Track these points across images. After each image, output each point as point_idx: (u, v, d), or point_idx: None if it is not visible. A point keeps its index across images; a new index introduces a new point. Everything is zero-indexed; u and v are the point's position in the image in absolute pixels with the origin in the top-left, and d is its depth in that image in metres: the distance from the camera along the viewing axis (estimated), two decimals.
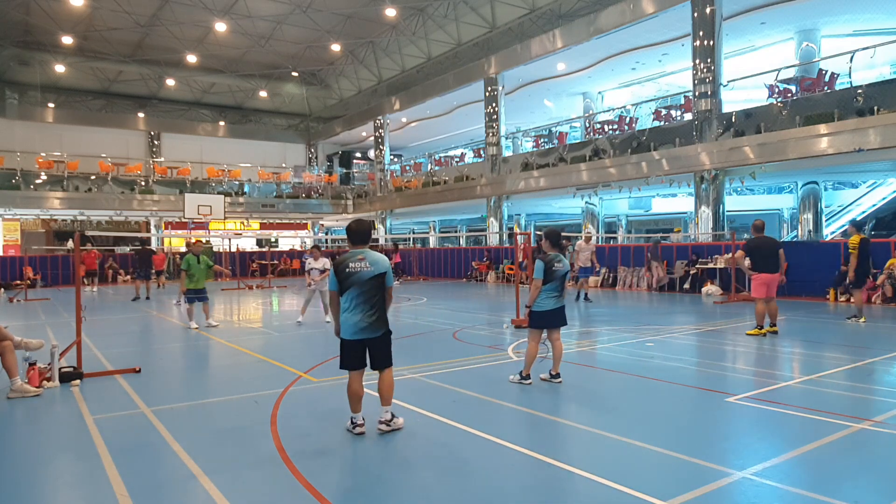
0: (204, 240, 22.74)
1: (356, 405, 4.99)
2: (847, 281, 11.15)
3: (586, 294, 16.16)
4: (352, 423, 5.01)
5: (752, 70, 20.96)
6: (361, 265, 4.92)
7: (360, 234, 5.09)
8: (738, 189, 22.44)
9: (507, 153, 28.17)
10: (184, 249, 31.29)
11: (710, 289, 17.25)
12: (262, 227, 38.18)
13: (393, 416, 5.05)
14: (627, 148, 21.44)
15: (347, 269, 4.90)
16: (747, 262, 9.96)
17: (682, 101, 21.32)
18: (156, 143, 37.64)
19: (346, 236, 5.15)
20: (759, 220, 10.20)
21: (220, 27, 28.76)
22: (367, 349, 5.00)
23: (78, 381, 7.03)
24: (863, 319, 10.89)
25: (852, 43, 19.91)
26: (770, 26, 20.29)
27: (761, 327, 9.62)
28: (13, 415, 5.91)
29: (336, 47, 31.69)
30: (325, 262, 12.28)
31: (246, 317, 13.89)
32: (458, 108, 31.96)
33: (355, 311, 4.92)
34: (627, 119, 22.98)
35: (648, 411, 5.64)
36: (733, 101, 20.44)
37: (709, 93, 18.47)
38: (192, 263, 11.65)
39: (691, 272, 18.36)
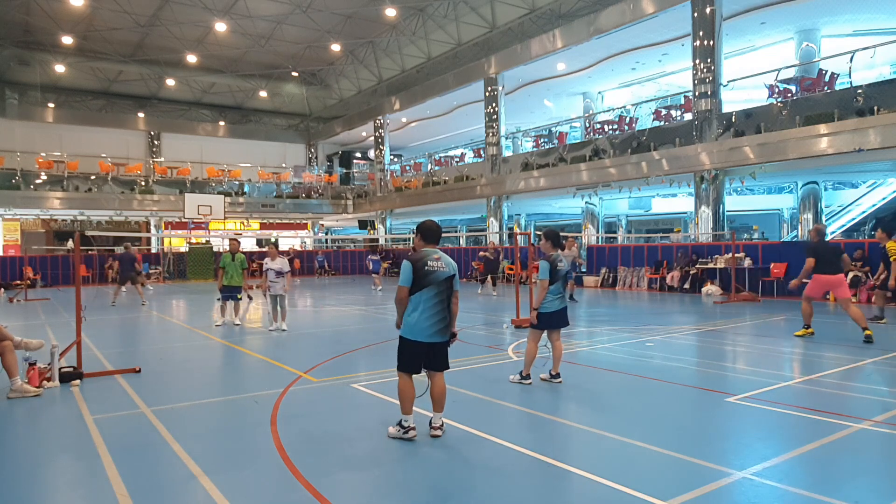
0: (205, 239, 22.81)
1: (410, 406, 4.84)
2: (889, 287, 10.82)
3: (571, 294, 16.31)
4: (402, 427, 4.83)
5: (752, 70, 20.94)
6: (438, 265, 4.81)
7: (435, 233, 4.97)
8: (738, 189, 22.44)
9: (507, 153, 28.16)
10: (184, 249, 31.44)
11: (710, 289, 17.25)
12: (262, 227, 38.17)
13: (443, 421, 4.96)
14: (627, 148, 21.44)
15: (427, 267, 4.77)
16: (794, 282, 9.89)
17: (682, 101, 21.31)
18: (156, 143, 37.63)
19: (418, 234, 4.98)
20: (821, 225, 10.29)
21: (220, 27, 28.75)
22: (429, 352, 4.87)
23: (78, 381, 7.03)
24: (884, 320, 10.87)
25: (852, 43, 19.89)
26: (770, 26, 20.28)
27: (808, 326, 9.48)
28: (13, 415, 5.91)
29: (336, 47, 31.67)
30: (283, 263, 11.38)
31: (246, 317, 13.87)
32: (458, 108, 31.94)
33: (430, 311, 4.78)
34: (627, 119, 22.97)
35: (648, 411, 5.65)
36: (733, 101, 20.43)
37: (709, 93, 18.47)
38: (227, 262, 11.95)
39: (691, 272, 18.37)
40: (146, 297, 17.70)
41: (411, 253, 5.00)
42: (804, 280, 9.62)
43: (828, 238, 10.03)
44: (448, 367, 5.00)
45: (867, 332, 8.95)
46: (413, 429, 4.82)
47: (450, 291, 4.89)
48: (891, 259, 10.55)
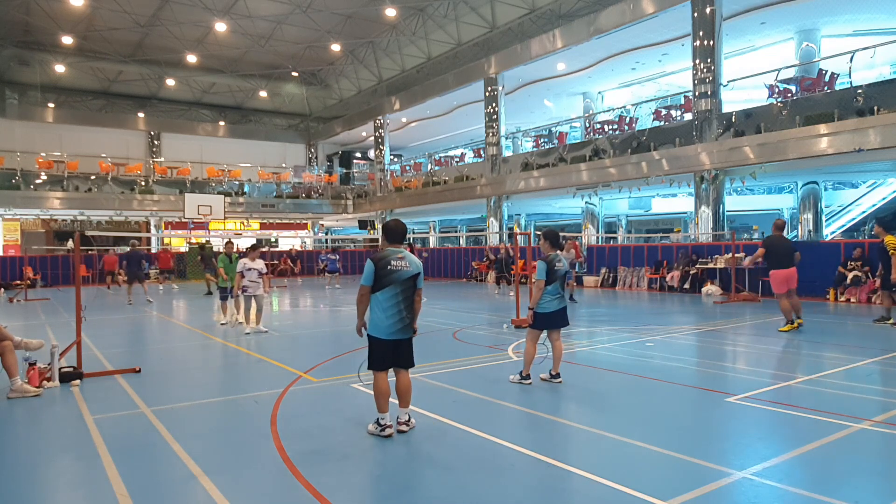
0: (204, 240, 22.87)
1: (385, 404, 4.92)
2: (891, 283, 10.85)
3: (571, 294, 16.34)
4: (379, 424, 4.92)
5: (752, 70, 20.93)
6: (402, 264, 4.90)
7: (399, 232, 5.06)
8: (738, 189, 22.44)
9: (507, 153, 28.16)
10: (184, 249, 31.43)
11: (710, 289, 17.25)
12: (262, 227, 38.17)
13: (409, 416, 5.07)
14: (627, 148, 21.43)
15: (389, 267, 4.86)
16: (747, 260, 10.32)
17: (682, 101, 21.31)
18: (156, 143, 37.63)
19: (383, 234, 5.11)
20: (781, 220, 10.77)
21: (220, 27, 28.75)
22: (395, 349, 4.98)
23: (78, 381, 7.03)
24: (891, 321, 10.68)
25: (852, 43, 19.89)
26: (770, 26, 20.28)
27: (792, 322, 9.87)
28: (13, 415, 5.91)
29: (336, 47, 31.68)
30: (262, 265, 11.16)
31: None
32: (458, 108, 31.93)
33: (394, 310, 4.88)
34: (627, 119, 22.96)
35: (649, 411, 5.65)
36: (733, 101, 20.42)
37: (709, 93, 18.46)
38: (226, 263, 12.18)
39: (691, 272, 18.36)
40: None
41: (374, 252, 5.05)
42: (756, 263, 10.47)
43: (785, 233, 10.96)
44: (413, 365, 5.09)
45: (788, 327, 9.75)
46: (390, 426, 4.90)
47: (412, 290, 4.98)
48: (890, 253, 10.53)
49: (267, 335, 10.87)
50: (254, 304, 11.08)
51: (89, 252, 27.61)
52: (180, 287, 25.09)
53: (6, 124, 32.70)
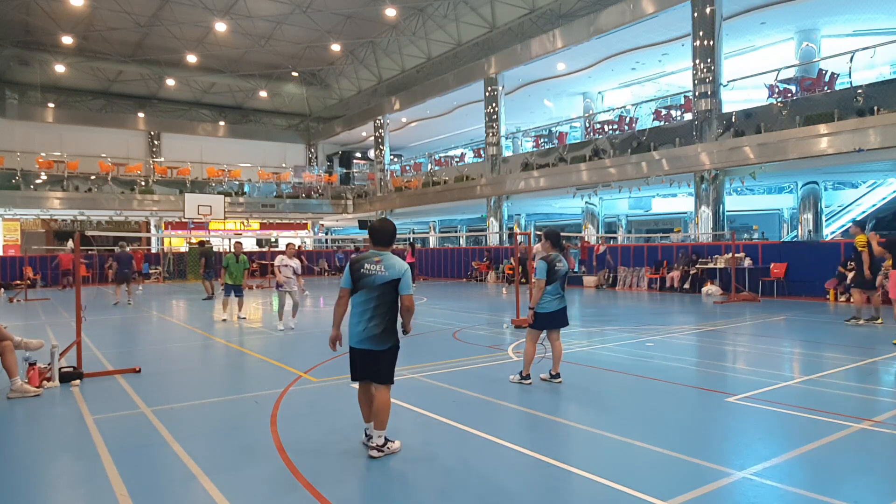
0: (205, 239, 22.90)
1: (367, 414, 4.67)
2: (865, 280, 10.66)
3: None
4: (366, 435, 4.70)
5: (752, 70, 20.94)
6: (376, 268, 4.47)
7: (382, 234, 4.59)
8: (738, 189, 22.44)
9: (507, 153, 28.16)
10: (184, 249, 31.43)
11: (710, 289, 17.25)
12: (262, 227, 38.17)
13: (387, 440, 4.48)
14: (627, 148, 21.44)
15: (362, 270, 4.48)
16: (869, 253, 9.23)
17: (682, 101, 21.32)
18: (156, 143, 37.63)
19: (367, 236, 4.89)
20: None
21: (220, 27, 28.75)
22: (364, 360, 4.54)
23: (78, 381, 7.03)
24: (861, 321, 10.82)
25: (852, 43, 19.89)
26: (770, 26, 20.28)
27: None
28: (13, 415, 5.91)
29: (336, 47, 31.69)
30: (298, 264, 11.41)
31: (246, 316, 13.87)
32: (458, 108, 31.94)
33: (362, 317, 4.49)
34: (627, 119, 22.97)
35: (648, 411, 5.64)
36: (733, 101, 20.43)
37: (709, 93, 18.46)
38: (230, 262, 12.77)
39: (691, 272, 18.36)
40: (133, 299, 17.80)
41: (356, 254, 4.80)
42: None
43: None
44: (391, 382, 4.55)
45: None
46: (369, 437, 4.61)
47: (389, 297, 4.48)
48: (859, 250, 10.61)
49: (267, 335, 10.87)
50: (288, 301, 11.35)
51: (89, 252, 27.62)
52: (179, 287, 25.08)
53: (6, 124, 32.70)
